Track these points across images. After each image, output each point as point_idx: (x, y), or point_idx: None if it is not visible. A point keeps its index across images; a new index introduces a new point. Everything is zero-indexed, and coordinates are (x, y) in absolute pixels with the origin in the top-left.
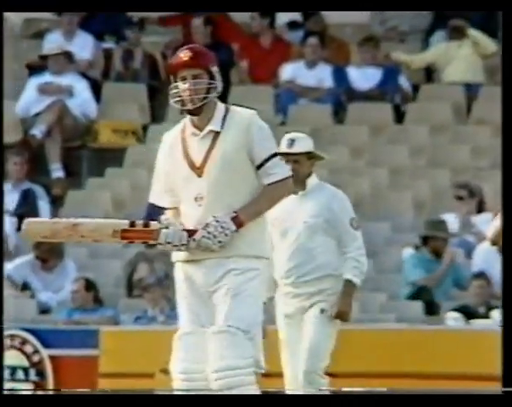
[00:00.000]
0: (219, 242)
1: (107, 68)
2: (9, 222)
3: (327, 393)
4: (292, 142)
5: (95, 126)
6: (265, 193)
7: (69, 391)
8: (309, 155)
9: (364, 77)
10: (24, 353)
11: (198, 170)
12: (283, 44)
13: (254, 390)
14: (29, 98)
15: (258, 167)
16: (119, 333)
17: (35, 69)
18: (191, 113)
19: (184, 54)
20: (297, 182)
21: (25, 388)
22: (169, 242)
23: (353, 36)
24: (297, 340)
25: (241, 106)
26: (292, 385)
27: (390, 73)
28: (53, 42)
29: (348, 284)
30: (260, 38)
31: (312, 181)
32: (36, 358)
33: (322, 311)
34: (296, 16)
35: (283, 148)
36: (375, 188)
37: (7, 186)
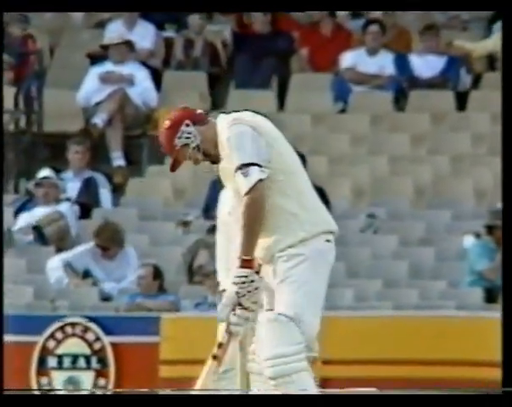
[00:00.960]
0: (254, 293)
1: (167, 56)
2: (71, 210)
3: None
4: None
5: (155, 114)
6: (242, 215)
7: (70, 391)
8: None
9: (426, 65)
10: (85, 340)
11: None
12: (344, 32)
13: (308, 375)
14: (90, 88)
15: None
16: (180, 320)
17: (96, 58)
18: (213, 162)
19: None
20: None
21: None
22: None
23: (415, 24)
24: None
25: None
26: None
27: (452, 61)
28: (114, 32)
29: None
30: (320, 26)
31: None
32: (97, 345)
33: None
34: None
35: None
36: (436, 176)
37: (68, 175)
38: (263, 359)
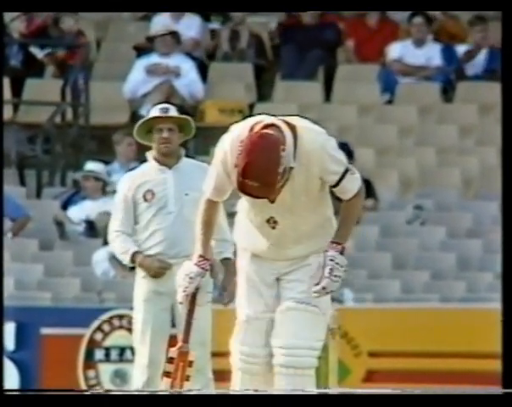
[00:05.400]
0: (338, 277)
1: (213, 48)
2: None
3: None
4: (166, 109)
5: (201, 106)
6: (349, 210)
7: (71, 391)
8: (180, 127)
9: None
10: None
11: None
12: (390, 23)
13: (313, 375)
14: (136, 80)
15: (333, 186)
16: (229, 311)
17: (142, 50)
18: None
19: (251, 185)
20: (171, 153)
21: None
22: None
23: (464, 15)
24: (163, 321)
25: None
26: (151, 369)
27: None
28: (160, 24)
29: (229, 262)
30: (367, 17)
31: (183, 155)
32: None
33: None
34: None
35: (158, 114)
36: (484, 167)
37: (115, 167)
38: (283, 344)
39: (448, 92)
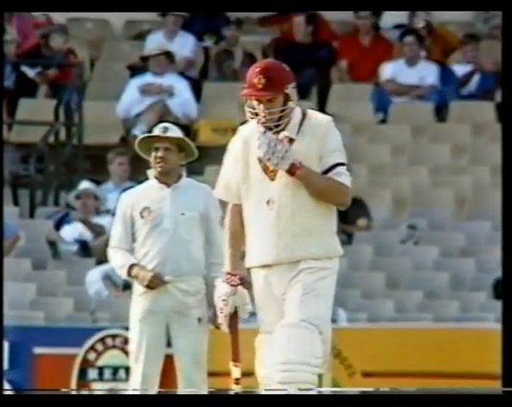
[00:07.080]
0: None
1: (207, 67)
2: (111, 222)
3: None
4: (165, 129)
5: (195, 125)
6: (331, 180)
7: (70, 391)
8: (180, 147)
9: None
10: (125, 352)
11: (271, 174)
12: (383, 42)
13: (314, 391)
14: (130, 99)
15: (325, 172)
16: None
17: (136, 70)
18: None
19: (258, 80)
20: (168, 172)
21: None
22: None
23: (457, 34)
24: (157, 340)
25: (319, 111)
26: (145, 387)
27: (494, 72)
28: (155, 43)
29: None
30: (360, 36)
31: (184, 175)
32: None
33: (199, 320)
34: (402, 18)
35: (156, 133)
36: (477, 187)
37: (108, 186)
38: (280, 361)
39: (441, 112)
